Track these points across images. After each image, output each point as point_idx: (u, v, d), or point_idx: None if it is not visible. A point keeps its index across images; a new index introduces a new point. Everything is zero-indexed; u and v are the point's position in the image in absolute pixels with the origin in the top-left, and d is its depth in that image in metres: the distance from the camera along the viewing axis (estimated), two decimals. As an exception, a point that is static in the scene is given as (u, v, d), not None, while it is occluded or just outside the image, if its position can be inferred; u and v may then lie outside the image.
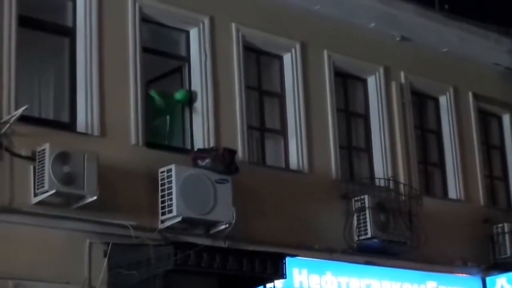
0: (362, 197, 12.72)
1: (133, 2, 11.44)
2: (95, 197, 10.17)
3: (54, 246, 10.10)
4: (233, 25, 12.35)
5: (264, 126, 12.73)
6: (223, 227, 11.14)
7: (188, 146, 11.81)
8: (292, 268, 11.64)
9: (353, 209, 12.75)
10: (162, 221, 10.87)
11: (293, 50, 12.98)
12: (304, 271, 12.07)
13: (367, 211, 12.63)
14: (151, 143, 11.31)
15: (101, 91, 10.93)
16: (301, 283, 12.00)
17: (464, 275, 14.09)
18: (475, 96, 15.29)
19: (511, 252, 14.29)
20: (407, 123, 14.11)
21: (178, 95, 11.86)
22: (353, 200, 12.78)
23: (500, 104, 15.73)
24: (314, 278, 12.16)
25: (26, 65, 10.67)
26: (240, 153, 11.76)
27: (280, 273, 10.85)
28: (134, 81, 11.23)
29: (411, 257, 13.11)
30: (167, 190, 10.82)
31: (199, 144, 11.71)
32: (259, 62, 12.85)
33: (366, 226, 12.62)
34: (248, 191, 11.64)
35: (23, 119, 10.11)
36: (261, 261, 10.64)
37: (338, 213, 12.70)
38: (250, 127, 12.36)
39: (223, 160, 11.11)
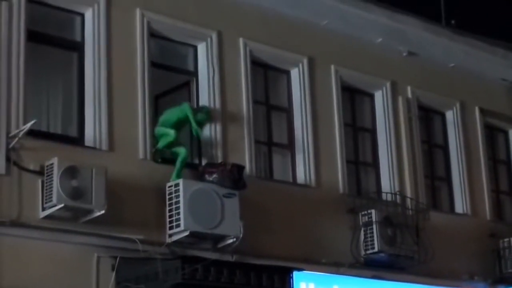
0: (369, 211, 12.74)
1: (141, 17, 11.51)
2: (103, 211, 10.20)
3: (62, 260, 10.13)
4: (241, 40, 12.41)
5: (272, 141, 12.76)
6: (230, 241, 11.17)
7: (196, 161, 11.84)
8: (299, 282, 11.62)
9: (360, 223, 12.77)
10: (170, 235, 10.90)
11: (300, 65, 13.04)
12: (311, 285, 12.03)
13: (374, 225, 12.65)
14: (160, 159, 11.37)
15: (109, 105, 10.99)
16: (308, 297, 12.04)
17: (470, 289, 14.13)
18: (482, 111, 15.32)
19: (518, 266, 14.37)
20: (414, 137, 14.15)
21: (200, 116, 11.64)
22: (360, 214, 12.80)
23: (507, 119, 15.76)
24: (322, 292, 12.20)
25: (34, 79, 10.74)
26: (247, 168, 11.79)
27: (287, 287, 10.86)
28: (142, 95, 11.29)
29: (418, 271, 13.12)
30: (175, 204, 10.86)
31: (206, 158, 11.75)
32: (267, 77, 12.90)
33: (373, 240, 12.64)
34: (256, 205, 11.68)
35: (31, 133, 10.17)
36: (268, 275, 10.68)
37: (345, 227, 12.72)
38: (257, 142, 12.39)
39: (231, 176, 11.14)
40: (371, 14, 13.90)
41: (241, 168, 11.33)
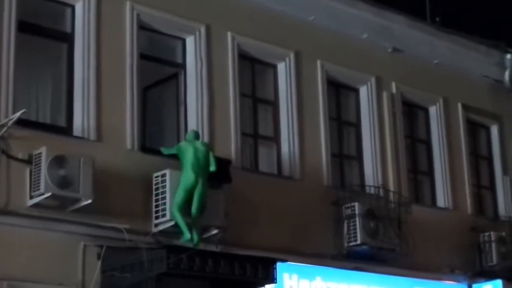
0: (352, 204, 12.86)
1: (131, 10, 11.59)
2: (90, 201, 10.30)
3: (48, 248, 10.22)
4: (229, 34, 12.51)
5: (258, 133, 12.87)
6: (215, 231, 11.26)
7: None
8: (282, 273, 11.77)
9: (344, 215, 12.89)
10: (156, 225, 11.00)
11: (287, 59, 13.15)
12: (294, 276, 12.19)
13: (357, 218, 12.77)
14: (146, 148, 11.49)
15: (98, 96, 11.07)
16: (291, 288, 12.15)
17: (451, 282, 14.25)
18: (464, 107, 15.46)
19: (497, 260, 14.49)
20: (397, 132, 14.28)
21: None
22: (343, 207, 12.92)
23: (489, 115, 15.93)
24: (304, 283, 12.29)
25: (24, 69, 10.80)
26: (233, 159, 11.89)
27: (270, 278, 10.95)
28: (130, 87, 11.37)
29: (400, 264, 13.25)
30: (161, 194, 10.97)
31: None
32: (254, 70, 13.00)
33: (356, 232, 12.75)
34: (241, 197, 11.78)
35: (20, 122, 10.25)
36: (252, 265, 10.75)
37: (328, 219, 12.83)
38: (243, 134, 12.49)
39: (217, 170, 11.23)
40: (358, 11, 14.03)
41: (227, 162, 11.43)
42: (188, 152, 11.03)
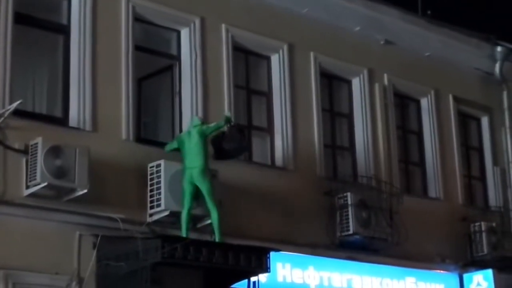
0: (345, 194, 12.97)
1: (127, 2, 11.65)
2: (85, 190, 10.36)
3: (44, 238, 10.29)
4: (223, 26, 12.58)
5: (251, 124, 12.94)
6: (209, 221, 11.28)
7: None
8: (276, 262, 11.86)
9: (336, 205, 12.99)
10: (151, 215, 11.09)
11: (280, 51, 13.22)
12: (288, 266, 12.30)
13: (349, 208, 12.87)
14: (141, 138, 11.57)
15: (94, 87, 11.14)
16: (284, 277, 12.24)
17: (442, 271, 14.37)
18: (455, 98, 15.57)
19: (488, 250, 14.60)
20: (389, 123, 14.37)
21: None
22: (336, 197, 13.02)
23: (479, 107, 16.04)
24: (297, 272, 12.40)
25: (21, 61, 10.86)
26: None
27: (264, 267, 11.03)
28: (126, 78, 11.44)
29: (391, 253, 13.37)
30: (156, 184, 11.03)
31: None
32: (248, 62, 13.08)
33: (348, 222, 12.85)
34: (235, 187, 11.87)
35: (17, 113, 10.31)
36: (246, 255, 10.81)
37: (321, 209, 12.93)
38: (238, 125, 12.63)
39: (232, 138, 11.26)
40: (350, 3, 14.08)
41: (241, 128, 11.50)
42: (183, 143, 11.12)
